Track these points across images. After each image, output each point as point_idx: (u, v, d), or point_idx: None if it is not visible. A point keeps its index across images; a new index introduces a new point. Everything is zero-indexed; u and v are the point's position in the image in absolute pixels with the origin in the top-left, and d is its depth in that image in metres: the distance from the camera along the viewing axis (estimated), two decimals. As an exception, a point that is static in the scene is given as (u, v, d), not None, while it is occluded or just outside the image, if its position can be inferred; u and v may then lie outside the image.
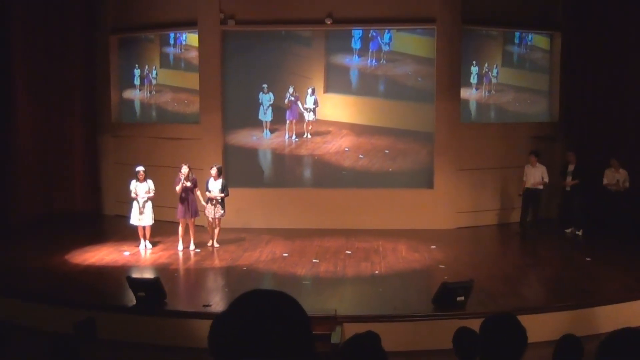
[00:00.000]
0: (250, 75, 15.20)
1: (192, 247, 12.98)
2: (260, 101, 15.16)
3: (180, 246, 12.99)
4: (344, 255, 12.47)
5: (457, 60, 14.90)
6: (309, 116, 15.21)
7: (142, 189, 12.84)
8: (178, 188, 12.69)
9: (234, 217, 14.18)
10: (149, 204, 12.81)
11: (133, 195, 12.82)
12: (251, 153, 15.46)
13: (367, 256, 12.41)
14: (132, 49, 16.79)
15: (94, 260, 12.27)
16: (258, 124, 15.36)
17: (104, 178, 17.22)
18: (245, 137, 15.48)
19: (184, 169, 12.60)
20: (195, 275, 11.63)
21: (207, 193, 12.89)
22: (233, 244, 13.47)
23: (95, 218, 16.61)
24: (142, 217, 12.84)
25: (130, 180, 12.95)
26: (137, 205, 12.84)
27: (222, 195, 12.87)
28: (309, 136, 15.21)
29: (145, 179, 12.77)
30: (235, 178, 14.95)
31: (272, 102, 15.11)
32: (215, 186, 12.98)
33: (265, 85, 15.05)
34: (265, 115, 15.24)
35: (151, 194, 12.84)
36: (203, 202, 12.80)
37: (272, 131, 15.26)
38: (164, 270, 11.54)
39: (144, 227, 12.94)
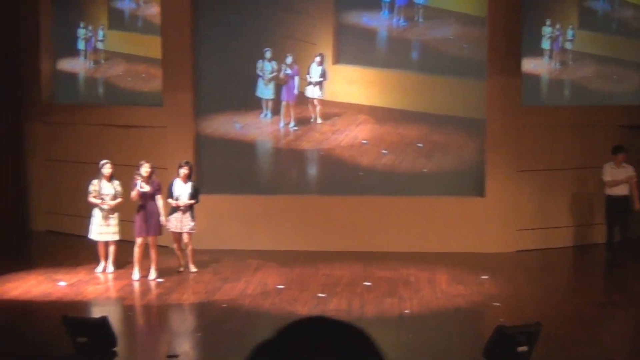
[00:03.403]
0: (232, 40, 15.32)
1: (152, 275, 13.08)
2: (259, 72, 15.31)
3: (137, 274, 13.07)
4: (361, 289, 12.53)
5: (518, 19, 14.94)
6: (313, 92, 15.34)
7: (107, 190, 13.00)
8: (134, 194, 12.80)
9: (209, 235, 14.22)
10: (116, 214, 13.08)
11: (92, 199, 12.98)
12: (233, 146, 15.58)
13: (394, 290, 12.47)
14: (71, 0, 16.92)
15: (16, 294, 12.28)
16: (241, 107, 15.53)
17: (31, 180, 17.27)
18: (224, 125, 15.65)
19: (144, 169, 12.72)
20: (157, 314, 11.66)
21: (171, 200, 12.96)
22: (208, 271, 13.53)
23: (18, 235, 16.67)
24: (106, 229, 13.01)
25: (90, 181, 13.19)
26: (100, 213, 13.01)
27: (193, 202, 12.99)
28: (319, 120, 15.39)
29: (111, 178, 12.94)
30: (210, 181, 15.07)
31: (275, 73, 15.30)
32: (184, 190, 13.09)
33: (268, 51, 15.23)
34: (266, 90, 15.41)
35: (117, 200, 13.07)
36: (162, 217, 12.94)
37: (274, 113, 15.44)
38: (115, 307, 11.58)
39: (106, 244, 13.11)
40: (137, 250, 12.96)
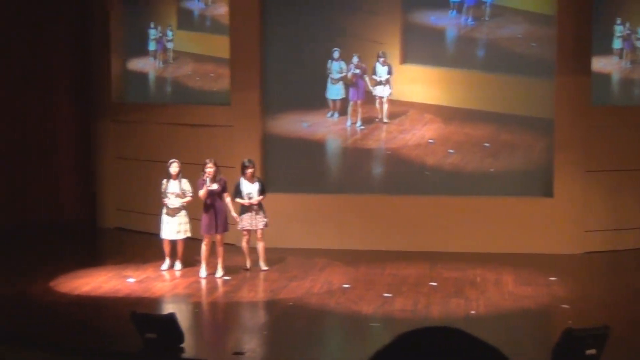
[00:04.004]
0: (299, 39, 15.38)
1: (219, 273, 13.13)
2: (328, 71, 15.34)
3: (204, 272, 13.13)
4: (427, 289, 12.50)
5: (588, 17, 14.75)
6: (383, 91, 15.31)
7: (173, 188, 13.14)
8: (202, 193, 12.88)
9: (275, 233, 14.29)
10: (182, 212, 13.20)
11: (164, 198, 13.17)
12: (300, 146, 15.64)
13: (460, 290, 12.40)
14: (141, 1, 17.17)
15: (87, 289, 12.44)
16: (309, 107, 15.54)
17: (101, 179, 17.48)
18: (291, 124, 15.69)
19: (209, 168, 12.76)
20: (223, 311, 11.79)
21: (240, 200, 13.09)
22: (274, 269, 13.57)
23: (88, 232, 16.92)
24: (173, 227, 13.22)
25: (162, 180, 13.36)
26: (166, 211, 13.21)
27: (262, 197, 13.21)
28: (386, 120, 15.35)
29: (178, 177, 13.10)
30: (277, 180, 15.12)
31: (343, 73, 15.33)
32: (252, 189, 13.26)
33: (336, 50, 15.25)
34: (335, 90, 15.44)
35: (186, 199, 13.14)
36: (234, 213, 12.98)
37: (341, 113, 15.47)
38: (182, 304, 11.73)
39: (173, 242, 13.26)
40: (204, 248, 13.04)
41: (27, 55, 16.78)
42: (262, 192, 13.27)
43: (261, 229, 13.26)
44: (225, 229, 13.01)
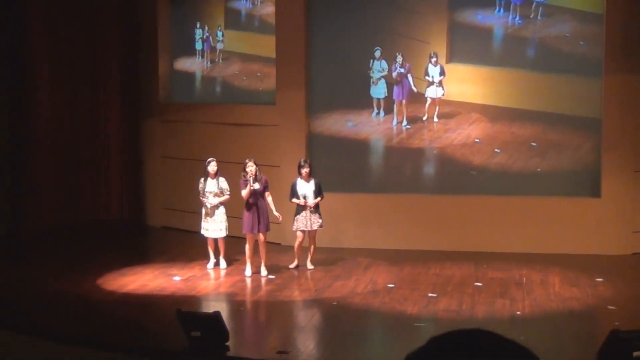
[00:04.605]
0: (345, 39, 15.43)
1: (263, 272, 13.17)
2: (370, 70, 15.39)
3: (248, 271, 13.22)
4: (472, 289, 12.46)
5: (636, 16, 14.55)
6: (436, 92, 15.30)
7: (211, 187, 13.19)
8: (245, 193, 12.92)
9: (319, 233, 14.21)
10: (221, 211, 13.23)
11: (202, 197, 13.23)
12: (345, 145, 15.66)
13: (505, 290, 12.34)
14: (188, 2, 17.28)
15: (134, 287, 12.57)
16: (354, 106, 15.55)
17: (149, 177, 17.68)
18: (336, 123, 15.74)
19: (250, 167, 12.80)
20: (267, 310, 11.86)
21: (297, 200, 13.20)
22: (319, 269, 13.62)
23: (136, 231, 17.07)
24: (212, 226, 13.26)
25: (199, 178, 13.43)
26: (205, 210, 13.26)
27: (320, 199, 13.24)
28: (436, 119, 15.34)
29: (217, 175, 13.15)
30: (322, 179, 14.75)
31: (384, 72, 15.38)
32: (308, 189, 13.26)
33: (377, 50, 15.28)
34: (379, 89, 15.45)
35: (225, 197, 13.18)
36: (275, 212, 13.07)
37: (386, 111, 15.46)
38: (227, 303, 11.83)
39: (215, 240, 13.32)
40: (248, 247, 13.07)
41: (78, 57, 16.94)
42: (318, 192, 13.28)
43: (315, 229, 13.23)
44: (267, 228, 13.01)
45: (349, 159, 15.58)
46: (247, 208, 12.92)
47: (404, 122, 15.51)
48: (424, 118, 15.38)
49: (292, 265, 13.46)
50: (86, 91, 17.05)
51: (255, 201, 12.91)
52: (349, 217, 15.22)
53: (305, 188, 13.23)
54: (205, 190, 13.25)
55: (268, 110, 15.74)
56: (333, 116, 15.69)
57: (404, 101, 15.47)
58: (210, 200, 13.19)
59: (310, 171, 13.26)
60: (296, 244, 13.31)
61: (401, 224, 15.14)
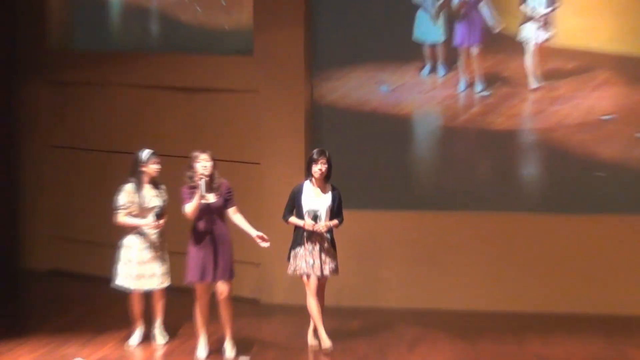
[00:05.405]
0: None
1: (229, 351, 9.84)
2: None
3: (202, 350, 9.97)
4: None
5: None
6: (537, 33, 12.08)
7: (149, 200, 10.35)
8: (190, 208, 9.88)
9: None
10: (160, 241, 10.50)
11: (123, 218, 10.27)
12: (374, 124, 12.36)
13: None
14: None
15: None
16: (388, 58, 12.19)
17: (27, 184, 14.29)
18: (360, 88, 12.44)
19: (203, 162, 9.90)
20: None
21: (296, 220, 10.16)
22: (338, 342, 10.45)
23: (4, 279, 13.82)
24: (144, 268, 10.28)
25: (122, 185, 10.62)
26: (138, 241, 10.34)
27: (336, 223, 10.23)
28: (535, 84, 12.11)
29: (155, 182, 10.51)
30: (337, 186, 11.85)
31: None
32: (322, 202, 10.17)
33: None
34: (432, 29, 12.29)
35: (159, 222, 10.31)
36: (255, 232, 9.99)
37: (447, 65, 12.27)
38: None
39: (143, 295, 10.75)
40: (198, 307, 10.16)
41: None
42: (336, 211, 10.00)
43: (327, 275, 10.18)
44: (231, 272, 10.08)
45: (380, 150, 12.27)
46: (195, 238, 9.89)
47: (478, 86, 12.11)
48: (515, 80, 12.21)
49: (309, 340, 10.15)
50: None
51: (209, 225, 9.95)
52: (380, 252, 12.15)
53: (317, 201, 9.95)
54: (143, 204, 10.18)
55: (240, 63, 12.48)
56: (354, 75, 12.33)
57: (475, 48, 12.22)
58: (148, 222, 10.14)
59: (328, 171, 9.97)
60: (309, 303, 10.11)
61: (474, 266, 11.85)
